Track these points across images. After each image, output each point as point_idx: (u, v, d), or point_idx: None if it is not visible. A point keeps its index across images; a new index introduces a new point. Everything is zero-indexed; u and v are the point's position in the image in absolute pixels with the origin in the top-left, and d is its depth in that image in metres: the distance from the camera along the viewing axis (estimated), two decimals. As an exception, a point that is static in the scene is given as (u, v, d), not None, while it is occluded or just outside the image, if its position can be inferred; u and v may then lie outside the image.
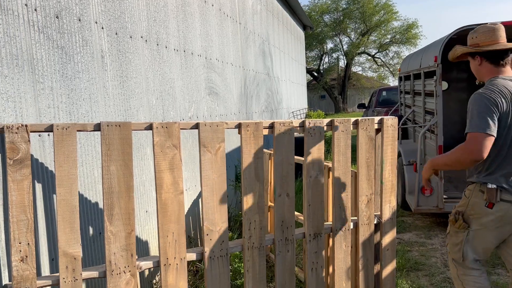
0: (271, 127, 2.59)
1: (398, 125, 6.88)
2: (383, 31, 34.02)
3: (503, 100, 2.30)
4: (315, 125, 2.72)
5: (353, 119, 2.90)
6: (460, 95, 8.28)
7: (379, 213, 3.08)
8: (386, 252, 3.02)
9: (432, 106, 5.08)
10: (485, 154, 2.25)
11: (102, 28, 2.82)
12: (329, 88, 35.33)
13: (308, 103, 41.78)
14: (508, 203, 2.36)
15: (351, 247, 3.02)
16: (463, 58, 2.63)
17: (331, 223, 2.89)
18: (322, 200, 2.77)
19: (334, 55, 36.48)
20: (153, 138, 2.32)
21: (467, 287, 2.55)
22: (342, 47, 35.35)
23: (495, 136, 2.27)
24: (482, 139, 2.24)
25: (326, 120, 2.80)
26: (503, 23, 4.04)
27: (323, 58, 36.56)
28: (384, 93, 12.02)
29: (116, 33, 2.98)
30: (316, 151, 2.74)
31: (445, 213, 5.03)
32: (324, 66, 36.83)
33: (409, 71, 6.80)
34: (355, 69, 37.86)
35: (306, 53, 34.96)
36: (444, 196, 5.02)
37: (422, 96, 5.77)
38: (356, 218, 2.97)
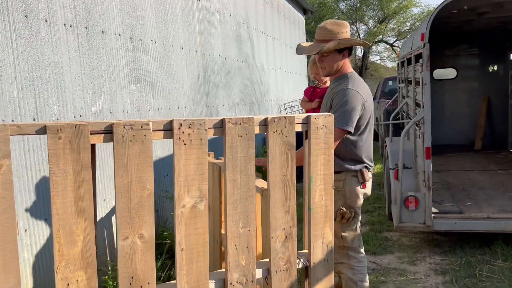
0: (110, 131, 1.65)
1: (389, 119, 5.84)
2: (402, 18, 32.40)
3: None
4: (191, 127, 1.78)
5: (259, 117, 1.95)
6: (471, 85, 7.14)
7: (307, 251, 2.15)
8: (314, 312, 2.08)
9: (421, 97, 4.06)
10: None
11: None
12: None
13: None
14: None
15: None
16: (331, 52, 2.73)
17: (224, 270, 1.96)
18: (205, 240, 1.85)
19: (351, 44, 35.02)
20: None
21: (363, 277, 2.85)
22: (359, 35, 33.87)
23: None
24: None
25: (214, 120, 1.86)
26: None
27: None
28: (390, 82, 10.89)
29: None
30: (194, 167, 1.81)
31: (434, 232, 4.03)
32: (340, 55, 35.39)
33: (403, 55, 5.75)
34: (373, 58, 36.36)
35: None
36: (434, 210, 4.01)
37: (412, 85, 4.73)
38: (268, 260, 2.04)
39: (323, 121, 2.09)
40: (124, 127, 1.66)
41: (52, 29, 2.86)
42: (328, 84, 3.23)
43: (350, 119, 2.61)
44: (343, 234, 2.79)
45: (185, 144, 1.77)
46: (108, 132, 1.65)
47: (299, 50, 2.87)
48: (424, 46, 3.70)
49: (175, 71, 4.52)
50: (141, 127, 1.68)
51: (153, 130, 1.72)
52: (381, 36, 33.11)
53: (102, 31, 3.38)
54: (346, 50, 2.74)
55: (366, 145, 2.78)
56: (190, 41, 4.91)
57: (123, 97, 3.61)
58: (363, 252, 2.91)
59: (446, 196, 4.46)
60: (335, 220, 2.62)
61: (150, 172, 1.71)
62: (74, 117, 3.03)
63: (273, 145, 1.97)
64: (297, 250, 2.16)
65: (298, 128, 2.07)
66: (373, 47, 33.87)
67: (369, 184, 2.83)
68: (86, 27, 3.19)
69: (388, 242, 4.38)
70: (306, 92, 3.26)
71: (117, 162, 1.65)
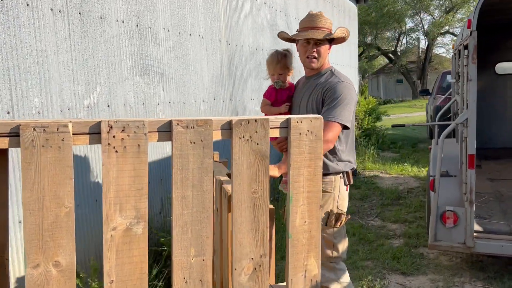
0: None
1: (435, 119, 5.17)
2: (471, 8, 30.13)
3: None
4: (126, 131, 1.42)
5: (221, 119, 1.56)
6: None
7: (284, 284, 1.74)
8: None
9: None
10: None
11: None
12: (406, 72, 32.43)
13: (383, 88, 38.91)
14: None
15: None
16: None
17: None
18: (143, 271, 1.49)
19: (414, 36, 33.28)
20: None
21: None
22: (423, 26, 32.03)
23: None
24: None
25: (159, 122, 1.48)
26: None
27: (401, 38, 33.47)
28: (448, 77, 9.97)
29: None
30: (129, 181, 1.45)
31: (477, 254, 3.45)
32: (402, 47, 33.75)
33: (457, 46, 5.07)
34: (437, 50, 34.45)
35: (380, 34, 32.19)
36: (477, 229, 3.42)
37: (461, 80, 4.10)
38: (233, 296, 1.65)
39: (308, 125, 1.66)
40: (34, 129, 1.33)
41: (36, 14, 2.62)
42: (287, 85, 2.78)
43: (349, 115, 2.48)
44: (335, 242, 2.58)
45: (116, 151, 1.42)
46: (15, 135, 1.34)
47: (298, 35, 2.63)
48: (471, 34, 3.10)
49: (192, 62, 4.20)
50: (57, 129, 1.35)
51: (74, 134, 1.38)
52: (447, 27, 31.06)
53: (101, 18, 3.11)
54: (331, 43, 2.67)
55: (353, 144, 2.68)
56: (213, 30, 4.57)
57: (125, 89, 3.34)
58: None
59: (496, 211, 3.81)
60: (325, 224, 2.53)
61: (69, 185, 1.38)
62: (61, 110, 2.79)
63: (238, 154, 1.57)
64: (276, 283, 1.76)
65: (276, 133, 1.65)
66: (438, 38, 31.90)
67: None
68: (80, 13, 2.94)
69: (422, 261, 3.82)
70: (268, 94, 2.76)
71: (24, 172, 1.33)
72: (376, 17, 30.32)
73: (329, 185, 2.55)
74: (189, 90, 4.15)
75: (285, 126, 1.65)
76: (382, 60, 40.25)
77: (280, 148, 2.72)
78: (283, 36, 2.78)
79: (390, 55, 33.55)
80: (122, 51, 3.31)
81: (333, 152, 2.55)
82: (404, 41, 34.09)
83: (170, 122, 1.49)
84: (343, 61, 10.41)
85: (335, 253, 2.60)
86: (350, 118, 2.50)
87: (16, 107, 2.50)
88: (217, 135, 1.56)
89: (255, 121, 1.59)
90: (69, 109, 2.85)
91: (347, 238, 2.69)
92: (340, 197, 2.59)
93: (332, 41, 2.68)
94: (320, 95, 2.53)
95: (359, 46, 32.71)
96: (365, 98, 11.58)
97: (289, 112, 2.71)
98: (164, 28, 3.79)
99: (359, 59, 35.17)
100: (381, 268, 3.70)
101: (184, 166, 1.50)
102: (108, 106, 3.18)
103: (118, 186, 1.43)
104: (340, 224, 2.57)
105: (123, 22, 3.32)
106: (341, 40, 2.74)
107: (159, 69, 3.72)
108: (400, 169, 7.50)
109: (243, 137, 1.58)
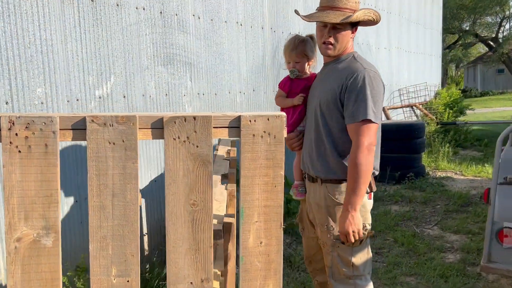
0: None
1: None
2: None
3: None
4: (30, 128, 1.22)
5: (150, 116, 1.30)
6: None
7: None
8: None
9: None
10: None
11: None
12: (509, 61, 29.35)
13: (480, 79, 35.61)
14: None
15: None
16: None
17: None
18: (57, 287, 1.30)
19: (519, 20, 29.89)
20: None
21: None
22: (530, 11, 28.61)
23: None
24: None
25: (73, 119, 1.27)
26: None
27: (503, 24, 30.27)
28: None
29: None
30: (35, 186, 1.25)
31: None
32: (504, 33, 30.54)
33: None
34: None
35: (479, 19, 29.38)
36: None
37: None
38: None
39: (265, 125, 1.35)
40: None
41: (40, 2, 2.56)
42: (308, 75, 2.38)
43: (379, 109, 2.10)
44: (354, 259, 2.21)
45: (20, 151, 1.23)
46: None
47: (311, 16, 2.18)
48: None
49: (228, 51, 3.97)
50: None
51: (-29, 130, 1.22)
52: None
53: (117, 5, 2.99)
54: (356, 26, 2.25)
55: (378, 144, 2.23)
56: (254, 17, 4.29)
57: (144, 79, 3.21)
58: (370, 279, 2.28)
59: None
60: (343, 243, 2.16)
61: None
62: (68, 101, 2.72)
63: (172, 158, 1.31)
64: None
65: (222, 134, 1.36)
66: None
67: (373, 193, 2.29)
68: (92, 0, 2.83)
69: (479, 283, 3.25)
70: (282, 84, 2.40)
71: None
72: (474, 0, 27.73)
73: (344, 194, 2.16)
74: (223, 80, 3.93)
75: (236, 126, 1.35)
76: (481, 48, 36.89)
77: (290, 146, 2.40)
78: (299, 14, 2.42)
79: (490, 42, 30.57)
80: (142, 40, 3.18)
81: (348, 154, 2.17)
82: (507, 26, 30.87)
83: (84, 119, 1.26)
84: (418, 48, 9.54)
85: (355, 272, 2.23)
86: (379, 113, 2.11)
87: (16, 97, 2.46)
88: (146, 135, 1.31)
89: (194, 118, 1.31)
90: (77, 100, 2.77)
91: (369, 251, 2.29)
92: (363, 209, 2.20)
93: (356, 24, 2.26)
94: (338, 85, 2.14)
95: (453, 33, 30.23)
96: (461, 90, 10.56)
97: (303, 105, 2.36)
98: (193, 15, 3.60)
99: (453, 47, 32.52)
100: (423, 287, 3.21)
101: (102, 171, 1.28)
102: (124, 97, 3.07)
103: (23, 192, 1.25)
104: (362, 241, 2.19)
105: (143, 9, 3.18)
106: (371, 23, 2.32)
107: (187, 59, 3.55)
108: (478, 170, 6.66)
109: (178, 138, 1.31)
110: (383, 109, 7.40)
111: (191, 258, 1.36)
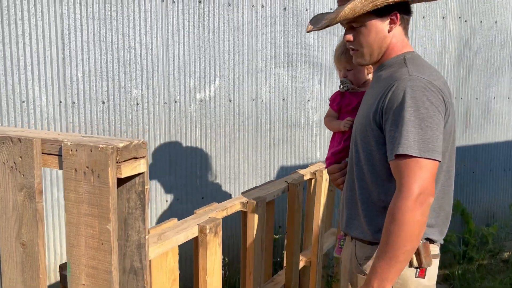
0: None
1: None
2: None
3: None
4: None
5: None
6: None
7: None
8: None
9: None
10: None
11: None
12: None
13: None
14: None
15: None
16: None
17: None
18: None
19: None
20: None
21: None
22: None
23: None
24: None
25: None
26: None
27: None
28: None
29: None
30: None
31: None
32: None
33: None
34: None
35: None
36: None
37: None
38: None
39: (87, 158, 1.00)
40: None
41: (142, 7, 2.66)
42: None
43: (433, 137, 1.32)
44: None
45: None
46: None
47: (314, 22, 1.52)
48: None
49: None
50: None
51: None
52: None
53: (229, 4, 2.85)
54: (394, 11, 1.42)
55: (447, 194, 1.46)
56: (429, 4, 3.40)
57: (257, 82, 2.97)
58: None
59: None
60: None
61: None
62: (165, 103, 2.77)
63: (4, 185, 1.12)
64: None
65: (52, 164, 1.07)
66: None
67: (433, 270, 1.45)
68: (199, 1, 2.78)
69: None
70: (331, 100, 1.63)
71: None
72: None
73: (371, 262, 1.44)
74: (370, 84, 3.29)
75: (59, 154, 1.04)
76: None
77: (334, 182, 1.78)
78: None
79: None
80: (257, 40, 2.95)
81: (381, 204, 1.44)
82: None
83: None
84: None
85: None
86: (435, 142, 1.32)
87: (112, 97, 2.65)
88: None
89: (19, 140, 1.07)
90: (175, 102, 2.79)
91: None
92: None
93: (392, 9, 1.41)
94: (373, 103, 1.45)
95: None
96: None
97: (350, 130, 1.69)
98: (331, 9, 3.11)
99: None
100: None
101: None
102: (230, 100, 2.92)
103: None
104: None
105: (262, 6, 2.94)
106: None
107: (316, 59, 3.11)
108: None
109: (7, 161, 1.10)
110: None
111: (22, 307, 1.13)
